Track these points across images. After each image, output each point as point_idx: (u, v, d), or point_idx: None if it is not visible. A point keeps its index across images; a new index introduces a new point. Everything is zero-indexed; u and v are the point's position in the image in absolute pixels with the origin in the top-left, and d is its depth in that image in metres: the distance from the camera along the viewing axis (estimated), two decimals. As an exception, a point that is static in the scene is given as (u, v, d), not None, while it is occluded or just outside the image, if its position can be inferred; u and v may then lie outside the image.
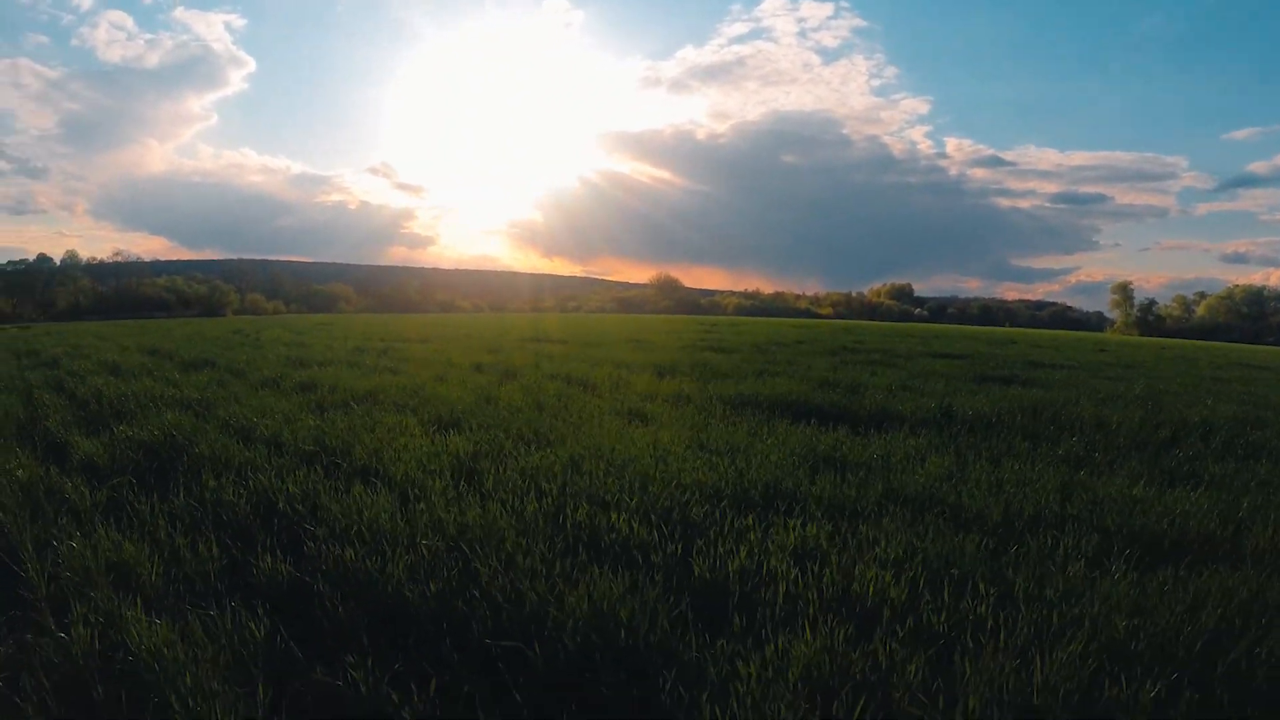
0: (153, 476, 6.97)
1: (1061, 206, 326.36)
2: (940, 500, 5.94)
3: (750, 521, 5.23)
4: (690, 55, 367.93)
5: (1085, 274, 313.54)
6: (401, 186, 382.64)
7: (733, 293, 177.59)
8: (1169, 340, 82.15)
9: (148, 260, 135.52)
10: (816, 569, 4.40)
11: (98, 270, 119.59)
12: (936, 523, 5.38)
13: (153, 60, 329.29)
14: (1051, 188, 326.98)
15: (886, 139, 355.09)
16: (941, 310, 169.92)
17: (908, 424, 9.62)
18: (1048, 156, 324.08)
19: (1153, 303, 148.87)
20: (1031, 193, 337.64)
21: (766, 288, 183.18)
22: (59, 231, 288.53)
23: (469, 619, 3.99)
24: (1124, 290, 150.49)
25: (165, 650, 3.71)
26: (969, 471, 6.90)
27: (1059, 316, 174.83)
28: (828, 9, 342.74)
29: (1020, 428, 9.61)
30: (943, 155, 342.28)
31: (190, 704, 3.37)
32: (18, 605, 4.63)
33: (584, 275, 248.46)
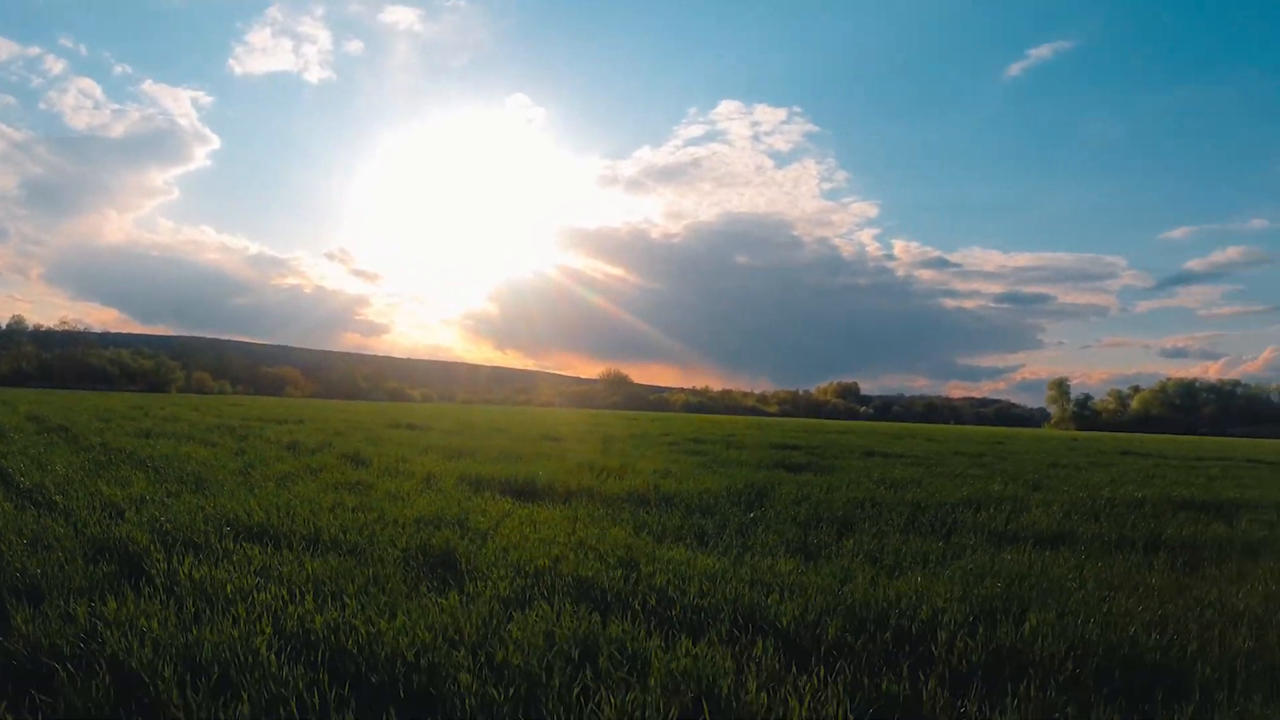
0: None
1: (1006, 306, 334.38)
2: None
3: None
4: (647, 155, 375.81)
5: (1030, 371, 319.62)
6: (358, 273, 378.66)
7: (682, 389, 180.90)
8: (1083, 433, 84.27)
9: (97, 331, 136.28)
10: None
11: (45, 338, 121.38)
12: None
13: (118, 130, 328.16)
14: (996, 288, 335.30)
15: (836, 240, 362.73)
16: (887, 408, 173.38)
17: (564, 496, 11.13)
18: (992, 258, 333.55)
19: (1088, 398, 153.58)
20: (977, 293, 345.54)
21: (717, 385, 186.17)
22: (12, 295, 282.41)
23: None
24: (1060, 386, 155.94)
25: None
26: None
27: (1004, 414, 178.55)
28: (781, 114, 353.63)
29: (696, 504, 10.70)
30: (891, 257, 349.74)
31: None
32: None
33: (537, 369, 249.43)
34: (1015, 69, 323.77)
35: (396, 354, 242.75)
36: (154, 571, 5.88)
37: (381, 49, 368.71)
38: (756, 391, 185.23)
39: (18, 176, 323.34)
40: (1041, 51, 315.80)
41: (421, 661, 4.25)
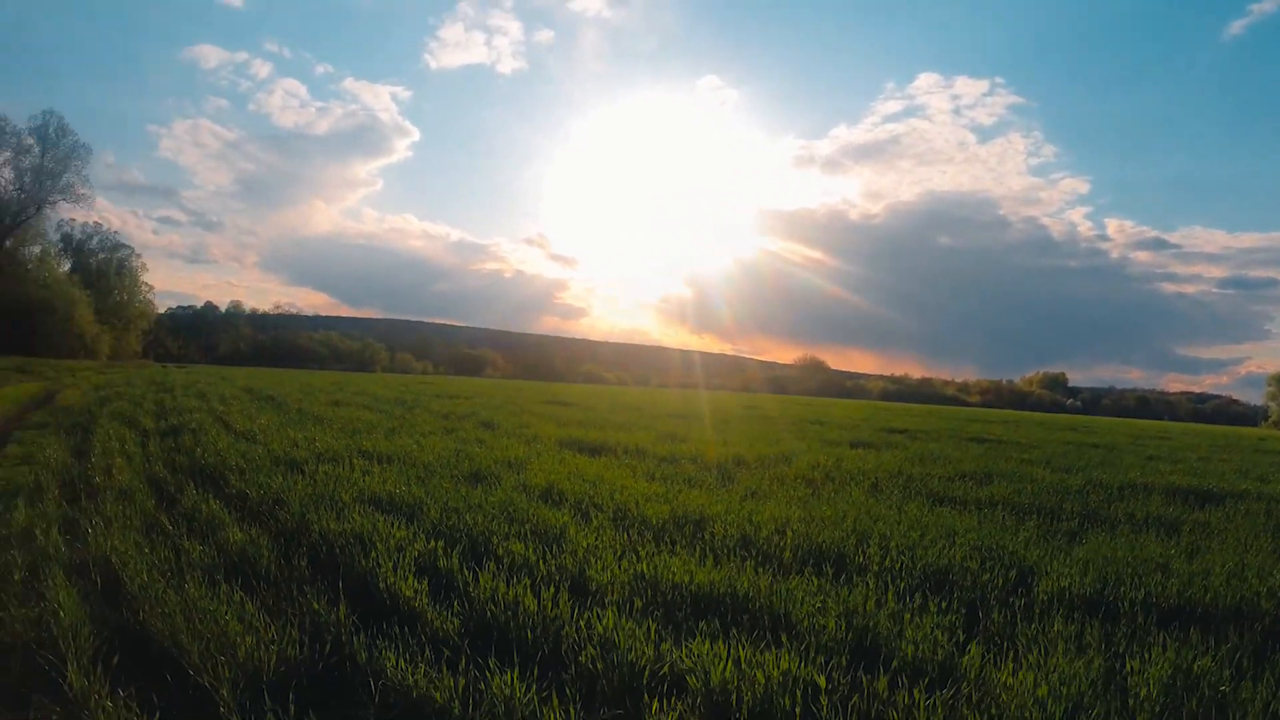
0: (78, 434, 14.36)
1: (1230, 292, 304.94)
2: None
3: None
4: (843, 134, 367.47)
5: (1256, 364, 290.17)
6: (555, 258, 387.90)
7: (880, 376, 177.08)
8: (1274, 433, 79.03)
9: (308, 315, 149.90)
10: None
11: (259, 321, 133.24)
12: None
13: (323, 127, 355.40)
14: (1219, 272, 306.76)
15: (1045, 220, 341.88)
16: (1096, 401, 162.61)
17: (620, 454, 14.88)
18: (1215, 238, 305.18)
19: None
20: (1198, 277, 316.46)
21: (917, 372, 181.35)
22: (229, 281, 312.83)
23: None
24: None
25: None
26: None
27: (1222, 410, 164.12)
28: (983, 85, 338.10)
29: (710, 464, 14.19)
30: (1104, 237, 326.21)
31: None
32: None
33: (733, 353, 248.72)
34: (1237, 27, 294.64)
35: (594, 337, 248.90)
36: (307, 470, 10.43)
37: (571, 37, 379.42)
38: (959, 380, 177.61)
39: (232, 173, 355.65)
40: (1265, 5, 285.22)
41: (414, 502, 8.46)
